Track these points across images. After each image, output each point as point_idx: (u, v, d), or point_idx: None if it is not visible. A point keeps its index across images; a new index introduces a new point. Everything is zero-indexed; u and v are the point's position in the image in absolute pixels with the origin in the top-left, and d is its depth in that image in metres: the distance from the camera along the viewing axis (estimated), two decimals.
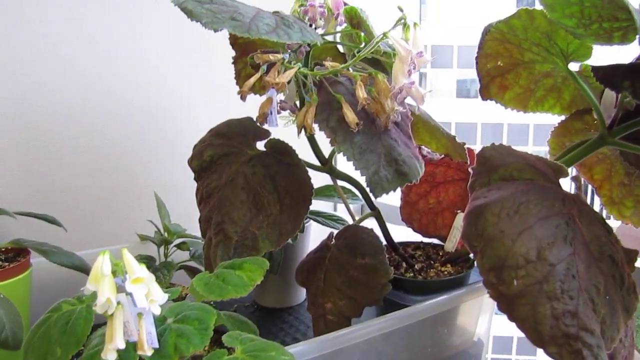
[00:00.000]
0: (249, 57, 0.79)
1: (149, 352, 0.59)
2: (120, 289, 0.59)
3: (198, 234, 1.07)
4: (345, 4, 0.84)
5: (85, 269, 0.97)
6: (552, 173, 0.71)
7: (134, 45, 1.20)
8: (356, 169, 0.68)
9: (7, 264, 0.94)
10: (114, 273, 0.59)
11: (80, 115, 1.14)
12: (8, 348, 0.81)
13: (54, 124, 1.12)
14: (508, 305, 0.60)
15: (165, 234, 1.04)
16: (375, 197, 0.70)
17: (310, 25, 0.81)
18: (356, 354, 0.82)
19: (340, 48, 0.94)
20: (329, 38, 0.86)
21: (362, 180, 0.91)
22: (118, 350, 0.59)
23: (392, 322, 0.81)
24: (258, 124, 0.76)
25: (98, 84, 1.16)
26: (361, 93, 0.68)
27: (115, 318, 0.58)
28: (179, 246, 1.05)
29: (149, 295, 0.58)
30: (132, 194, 1.21)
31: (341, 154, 0.69)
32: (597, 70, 0.77)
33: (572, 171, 0.97)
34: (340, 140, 0.69)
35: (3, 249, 0.98)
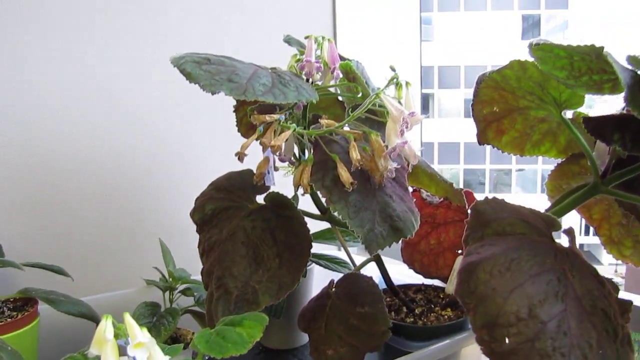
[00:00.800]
0: (248, 109, 0.82)
1: None
2: (123, 351, 0.61)
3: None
4: (342, 57, 0.87)
5: (92, 317, 0.99)
6: (544, 226, 0.72)
7: (140, 93, 1.22)
8: (350, 228, 0.70)
9: (15, 313, 0.95)
10: (116, 336, 0.60)
11: (86, 163, 1.16)
12: None
13: (60, 173, 1.14)
14: None
15: (170, 280, 1.06)
16: (371, 254, 0.72)
17: (307, 80, 0.83)
18: None
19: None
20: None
21: None
22: None
23: None
24: (256, 182, 0.77)
25: (104, 132, 1.18)
26: (355, 154, 0.70)
27: None
28: (184, 292, 1.06)
29: (151, 358, 0.60)
30: (138, 239, 1.23)
31: (336, 212, 0.71)
32: (587, 121, 0.78)
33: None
34: (336, 200, 0.71)
35: (11, 299, 1.00)
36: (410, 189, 1.04)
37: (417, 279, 1.10)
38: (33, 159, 1.11)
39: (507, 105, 0.95)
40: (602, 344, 0.65)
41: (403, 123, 0.71)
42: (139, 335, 0.59)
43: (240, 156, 0.74)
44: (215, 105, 1.30)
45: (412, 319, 0.95)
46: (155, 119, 1.25)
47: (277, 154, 0.82)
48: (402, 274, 1.15)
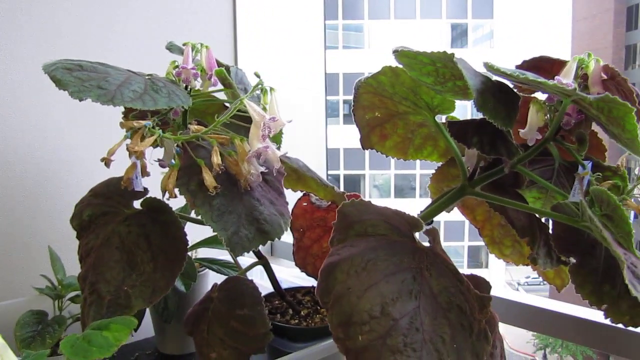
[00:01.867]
0: (121, 118, 0.82)
1: None
2: None
3: None
4: (220, 64, 0.88)
5: None
6: (407, 227, 0.74)
7: (29, 101, 1.21)
8: (214, 230, 0.71)
9: None
10: None
11: None
12: None
13: None
14: (355, 359, 0.64)
15: (59, 288, 1.05)
16: (236, 256, 0.73)
17: (186, 87, 0.84)
18: None
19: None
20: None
21: None
22: None
23: None
24: (122, 187, 0.78)
25: None
26: (216, 159, 0.71)
27: None
28: (73, 299, 1.05)
29: None
30: (28, 247, 1.21)
31: (199, 216, 0.72)
32: (451, 125, 0.82)
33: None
34: (200, 204, 0.72)
35: None
36: (300, 194, 1.06)
37: (311, 281, 1.11)
38: None
39: (387, 111, 0.98)
40: (457, 338, 0.68)
41: (265, 127, 0.73)
42: None
43: (107, 162, 0.75)
44: (108, 113, 1.29)
45: (297, 321, 0.96)
46: (50, 126, 1.23)
47: (156, 159, 0.83)
48: (296, 276, 1.17)
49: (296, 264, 1.11)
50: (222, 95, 0.91)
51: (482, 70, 0.78)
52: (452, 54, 0.71)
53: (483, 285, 0.75)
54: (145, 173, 0.80)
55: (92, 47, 1.28)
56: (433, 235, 0.76)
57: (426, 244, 0.74)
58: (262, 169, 0.76)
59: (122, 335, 0.70)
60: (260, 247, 1.08)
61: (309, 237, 1.11)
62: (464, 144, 0.80)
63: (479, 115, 0.75)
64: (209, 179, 0.71)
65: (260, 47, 1.53)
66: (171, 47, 0.92)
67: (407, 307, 0.65)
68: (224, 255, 1.17)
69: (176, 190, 0.75)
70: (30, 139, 1.21)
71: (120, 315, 0.77)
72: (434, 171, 1.03)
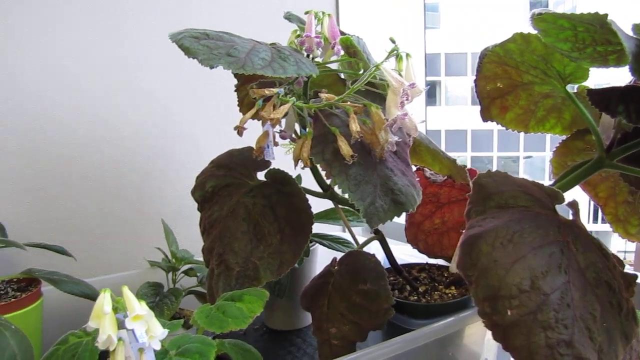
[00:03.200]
0: (249, 87, 0.81)
1: None
2: (121, 324, 0.60)
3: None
4: (342, 33, 0.86)
5: (94, 297, 0.99)
6: (548, 199, 0.71)
7: (141, 78, 1.22)
8: (351, 201, 0.69)
9: (19, 294, 0.95)
10: (115, 310, 0.60)
11: (89, 145, 1.16)
12: None
13: (64, 155, 1.14)
14: (502, 335, 0.61)
15: (173, 261, 1.06)
16: (371, 228, 0.71)
17: (308, 56, 0.82)
18: None
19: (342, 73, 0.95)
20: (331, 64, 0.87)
21: None
22: None
23: (396, 346, 0.82)
24: (255, 156, 0.77)
25: (107, 115, 1.18)
26: (354, 126, 0.69)
27: (117, 354, 0.59)
28: (187, 272, 1.06)
29: (149, 331, 0.60)
30: (141, 221, 1.23)
31: (336, 186, 0.70)
32: (592, 94, 0.77)
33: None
34: (336, 173, 0.70)
35: (15, 280, 1.00)
36: (414, 168, 1.03)
37: (421, 258, 1.09)
38: (36, 141, 1.11)
39: (510, 81, 0.94)
40: (606, 316, 0.64)
41: (403, 94, 0.70)
42: (137, 308, 0.59)
43: (240, 130, 0.74)
44: (216, 87, 1.29)
45: (415, 298, 0.94)
46: (157, 103, 1.24)
47: (278, 129, 0.82)
48: (406, 253, 1.15)
49: (407, 240, 1.09)
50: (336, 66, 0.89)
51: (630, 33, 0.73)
52: (606, 15, 0.67)
53: (620, 264, 0.71)
54: (275, 143, 0.78)
55: (197, 19, 1.28)
56: (575, 208, 0.72)
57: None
58: (396, 138, 0.73)
59: (255, 307, 0.69)
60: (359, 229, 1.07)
61: (420, 213, 1.08)
62: (606, 112, 0.75)
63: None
64: (345, 147, 0.69)
65: (361, 23, 1.51)
66: (289, 17, 0.90)
67: (557, 282, 0.62)
68: (334, 230, 1.16)
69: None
70: (139, 116, 1.22)
71: (248, 287, 0.76)
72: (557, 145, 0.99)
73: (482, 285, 0.63)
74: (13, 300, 0.93)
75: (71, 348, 0.71)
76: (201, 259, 1.07)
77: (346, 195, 0.69)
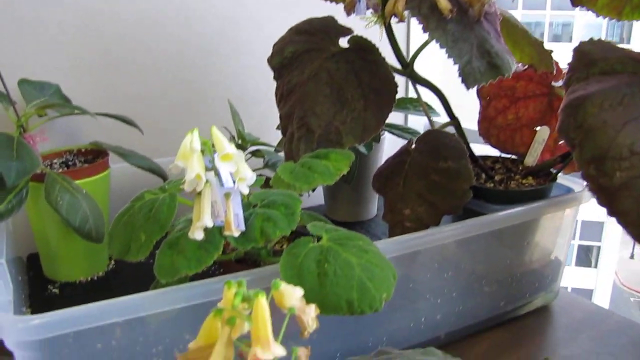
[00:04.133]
0: None
1: (236, 233, 0.59)
2: (208, 169, 0.58)
3: (271, 143, 1.06)
4: None
5: (161, 173, 0.98)
6: None
7: None
8: (449, 56, 0.65)
9: (87, 165, 0.95)
10: (202, 152, 0.58)
11: (155, 25, 1.13)
12: (91, 240, 0.82)
13: (130, 33, 1.11)
14: (609, 198, 0.57)
15: (240, 141, 1.04)
16: (468, 88, 0.67)
17: None
18: (433, 259, 0.80)
19: None
20: None
21: (443, 86, 0.89)
22: (204, 231, 0.59)
23: (471, 227, 0.79)
24: (345, 12, 0.73)
25: None
26: None
27: (204, 196, 0.58)
28: (254, 154, 1.04)
29: (238, 173, 0.57)
30: (205, 102, 1.20)
31: (434, 41, 0.66)
32: None
33: None
34: (433, 27, 0.66)
35: (83, 151, 0.99)
36: None
37: (494, 153, 1.05)
38: (103, 19, 1.08)
39: None
40: None
41: None
42: (227, 146, 0.57)
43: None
44: None
45: (491, 185, 0.91)
46: None
47: None
48: (478, 150, 1.11)
49: (480, 134, 1.05)
50: None
51: None
52: None
53: None
54: None
55: None
56: None
57: None
58: None
59: (342, 165, 0.67)
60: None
61: (494, 107, 1.04)
62: None
63: None
64: (443, 1, 0.65)
65: None
66: None
67: None
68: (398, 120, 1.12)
69: None
70: None
71: None
72: None
73: (588, 146, 0.59)
74: (82, 167, 0.93)
75: (147, 204, 0.69)
76: (267, 141, 1.06)
77: (433, 69, 0.65)
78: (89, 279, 0.96)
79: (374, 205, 1.17)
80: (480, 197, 0.87)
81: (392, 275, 0.60)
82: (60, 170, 0.91)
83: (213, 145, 0.58)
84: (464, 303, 0.86)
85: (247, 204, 0.64)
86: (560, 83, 0.97)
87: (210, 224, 0.57)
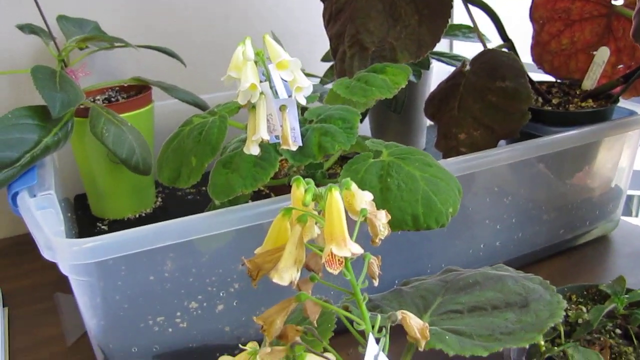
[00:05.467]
0: None
1: (294, 147, 0.56)
2: (262, 81, 0.56)
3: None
4: None
5: (206, 107, 0.95)
6: None
7: None
8: None
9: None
10: (255, 63, 0.55)
11: None
12: (138, 172, 0.80)
13: None
14: None
15: None
16: None
17: None
18: (492, 183, 0.77)
19: None
20: None
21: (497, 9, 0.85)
22: (260, 147, 0.56)
23: (530, 149, 0.76)
24: None
25: None
26: None
27: (259, 108, 0.55)
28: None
29: (295, 82, 0.55)
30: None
31: None
32: None
33: None
34: None
35: (125, 86, 0.97)
36: None
37: (549, 79, 1.01)
38: None
39: None
40: None
41: None
42: (283, 53, 0.54)
43: None
44: None
45: (550, 108, 0.87)
46: None
47: None
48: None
49: (533, 60, 1.00)
50: None
51: None
52: None
53: None
54: None
55: None
56: None
57: None
58: None
59: (400, 79, 0.63)
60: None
61: (547, 32, 0.99)
62: None
63: None
64: None
65: None
66: None
67: None
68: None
69: None
70: None
71: None
72: None
73: None
74: (126, 100, 0.91)
75: (197, 127, 0.67)
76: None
77: None
78: (137, 215, 0.95)
79: (423, 137, 1.13)
80: (538, 120, 0.83)
81: (458, 189, 0.58)
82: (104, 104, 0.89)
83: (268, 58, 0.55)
84: (523, 230, 0.83)
85: (303, 120, 0.61)
86: (621, 1, 0.92)
87: (266, 137, 0.54)
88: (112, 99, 0.94)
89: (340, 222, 0.36)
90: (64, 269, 0.59)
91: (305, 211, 0.37)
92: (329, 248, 0.35)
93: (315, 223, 0.39)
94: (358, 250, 0.36)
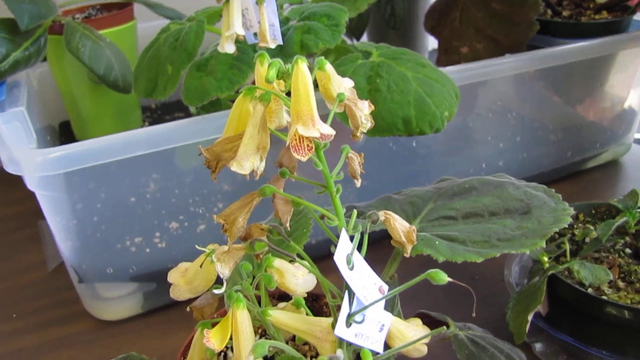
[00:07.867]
0: None
1: (272, 45, 0.51)
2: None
3: None
4: None
5: None
6: None
7: None
8: None
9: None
10: None
11: None
12: (118, 89, 0.76)
13: None
14: None
15: None
16: None
17: None
18: (496, 96, 0.72)
19: None
20: None
21: None
22: (238, 48, 0.51)
23: (538, 59, 0.71)
24: None
25: None
26: None
27: (233, 2, 0.50)
28: None
29: None
30: None
31: None
32: None
33: None
34: None
35: (107, 3, 0.91)
36: None
37: None
38: None
39: None
40: None
41: None
42: None
43: None
44: None
45: (559, 20, 0.81)
46: None
47: None
48: None
49: None
50: None
51: None
52: None
53: None
54: None
55: None
56: None
57: None
58: None
59: None
60: None
61: None
62: None
63: None
64: None
65: None
66: None
67: None
68: None
69: None
70: None
71: None
72: None
73: None
74: (106, 15, 0.85)
75: (173, 34, 0.62)
76: None
77: None
78: None
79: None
80: (547, 32, 0.78)
81: (454, 92, 0.53)
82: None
83: None
84: (528, 150, 0.78)
85: (285, 19, 0.56)
86: None
87: (241, 31, 0.49)
88: (93, 17, 0.88)
89: (308, 98, 0.31)
90: (31, 183, 0.54)
91: (268, 89, 0.32)
92: (294, 128, 0.30)
93: (286, 111, 0.34)
94: (328, 130, 0.31)
